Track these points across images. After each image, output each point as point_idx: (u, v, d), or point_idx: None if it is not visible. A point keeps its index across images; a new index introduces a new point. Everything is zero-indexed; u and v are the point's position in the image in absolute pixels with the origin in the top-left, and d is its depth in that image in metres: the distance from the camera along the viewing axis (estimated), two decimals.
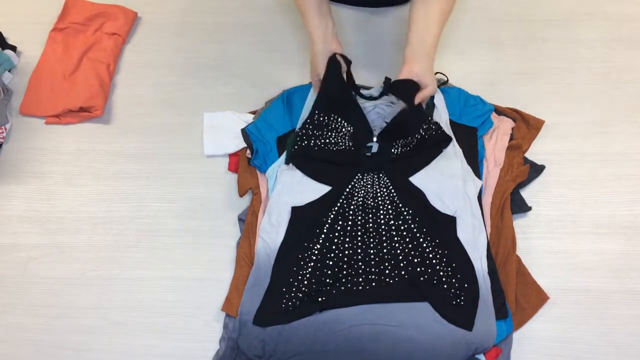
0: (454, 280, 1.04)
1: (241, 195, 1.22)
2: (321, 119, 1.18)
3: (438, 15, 1.11)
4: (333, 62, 1.17)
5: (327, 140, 1.16)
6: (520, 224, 1.16)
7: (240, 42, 1.44)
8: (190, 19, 1.48)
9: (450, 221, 1.10)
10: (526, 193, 1.19)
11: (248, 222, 1.17)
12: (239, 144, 1.26)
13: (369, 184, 1.14)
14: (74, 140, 1.33)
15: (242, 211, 1.20)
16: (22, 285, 1.17)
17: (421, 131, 1.14)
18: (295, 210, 1.12)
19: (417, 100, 1.12)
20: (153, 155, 1.30)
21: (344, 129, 1.19)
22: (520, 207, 1.17)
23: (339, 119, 1.19)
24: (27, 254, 1.20)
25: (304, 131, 1.16)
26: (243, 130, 1.25)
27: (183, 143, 1.30)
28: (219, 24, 1.47)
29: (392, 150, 1.17)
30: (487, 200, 1.16)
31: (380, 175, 1.15)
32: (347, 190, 1.14)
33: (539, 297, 1.09)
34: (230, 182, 1.24)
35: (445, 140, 1.16)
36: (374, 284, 1.06)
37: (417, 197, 1.12)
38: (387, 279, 1.06)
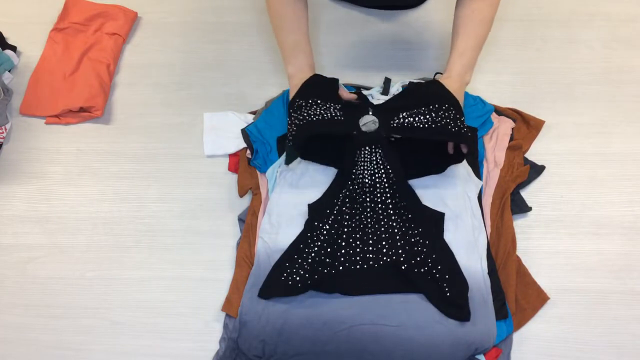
0: (440, 269, 1.03)
1: (241, 195, 1.22)
2: (303, 102, 1.11)
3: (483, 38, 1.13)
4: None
5: (314, 116, 1.09)
6: (520, 224, 1.16)
7: (240, 42, 1.44)
8: (190, 19, 1.48)
9: (432, 215, 1.09)
10: (526, 193, 1.19)
11: (248, 223, 1.17)
12: (239, 144, 1.26)
13: (367, 160, 1.13)
14: (74, 140, 1.33)
15: (242, 211, 1.20)
16: (22, 285, 1.17)
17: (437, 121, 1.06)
18: (311, 207, 1.12)
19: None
20: (153, 155, 1.30)
21: (331, 107, 1.11)
22: (521, 207, 1.17)
23: (325, 101, 1.12)
24: (27, 254, 1.20)
25: (289, 120, 1.12)
26: (243, 131, 1.25)
27: (183, 143, 1.30)
28: (219, 24, 1.47)
29: (391, 123, 1.10)
30: (487, 200, 1.15)
31: (379, 152, 1.12)
32: (354, 172, 1.13)
33: (539, 298, 1.09)
34: (230, 183, 1.24)
35: (454, 161, 1.12)
36: (371, 262, 1.06)
37: (404, 182, 1.11)
38: (385, 258, 1.06)
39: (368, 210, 1.10)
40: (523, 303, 1.08)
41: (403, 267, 1.05)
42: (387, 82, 1.30)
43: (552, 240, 1.15)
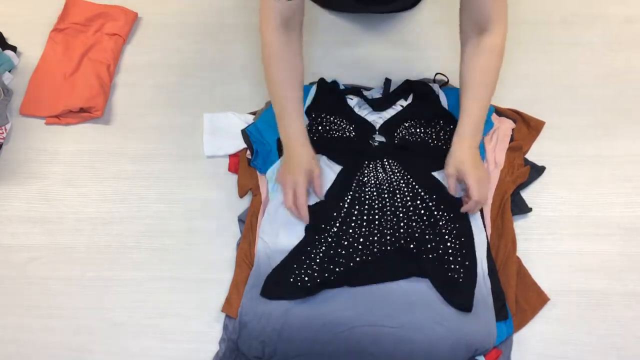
0: (458, 255, 1.05)
1: (241, 196, 1.22)
2: (319, 119, 1.21)
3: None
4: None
5: (331, 132, 1.20)
6: (520, 225, 1.16)
7: (240, 42, 1.43)
8: (190, 19, 1.48)
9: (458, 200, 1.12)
10: (526, 194, 1.19)
11: (248, 223, 1.17)
12: (239, 144, 1.26)
13: (380, 171, 1.16)
14: (74, 140, 1.33)
15: (242, 212, 1.20)
16: (22, 285, 1.17)
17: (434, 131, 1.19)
18: (311, 208, 1.12)
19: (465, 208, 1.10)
20: (153, 155, 1.30)
21: (344, 126, 1.22)
22: (521, 208, 1.17)
23: (338, 119, 1.22)
24: (27, 254, 1.20)
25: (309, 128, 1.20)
26: (243, 131, 1.25)
27: (183, 144, 1.30)
28: (219, 24, 1.47)
29: (395, 134, 1.19)
30: (488, 201, 1.15)
31: (390, 161, 1.17)
32: (358, 178, 1.16)
33: (539, 299, 1.09)
34: (230, 183, 1.24)
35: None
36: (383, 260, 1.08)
37: (430, 177, 1.15)
38: (398, 255, 1.08)
39: (388, 214, 1.12)
40: (523, 304, 1.08)
41: (414, 250, 1.07)
42: (387, 82, 1.30)
43: (552, 241, 1.15)
